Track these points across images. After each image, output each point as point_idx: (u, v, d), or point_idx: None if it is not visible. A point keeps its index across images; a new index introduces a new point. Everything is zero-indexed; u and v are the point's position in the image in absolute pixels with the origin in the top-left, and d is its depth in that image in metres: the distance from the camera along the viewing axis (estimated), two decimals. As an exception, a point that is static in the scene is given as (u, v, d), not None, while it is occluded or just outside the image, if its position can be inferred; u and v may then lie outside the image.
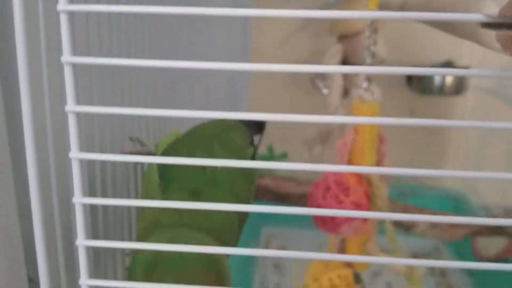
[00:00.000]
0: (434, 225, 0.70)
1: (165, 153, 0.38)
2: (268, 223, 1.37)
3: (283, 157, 1.17)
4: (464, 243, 1.10)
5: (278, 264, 1.25)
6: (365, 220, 0.54)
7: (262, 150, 1.16)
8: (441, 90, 1.13)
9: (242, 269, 1.10)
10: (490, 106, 1.13)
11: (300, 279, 0.63)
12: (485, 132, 1.19)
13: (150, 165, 0.37)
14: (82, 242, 0.27)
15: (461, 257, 1.15)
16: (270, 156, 1.17)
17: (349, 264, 0.62)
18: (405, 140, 1.16)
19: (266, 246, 1.34)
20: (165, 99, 0.54)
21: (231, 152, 0.39)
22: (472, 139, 1.24)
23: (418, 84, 1.14)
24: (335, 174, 0.55)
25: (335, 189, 0.54)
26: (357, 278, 0.62)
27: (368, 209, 0.55)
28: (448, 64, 1.12)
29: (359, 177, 0.55)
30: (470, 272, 1.13)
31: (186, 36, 0.62)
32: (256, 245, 1.31)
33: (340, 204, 0.53)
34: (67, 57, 0.24)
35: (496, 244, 0.97)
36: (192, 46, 0.65)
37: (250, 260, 1.23)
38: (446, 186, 1.26)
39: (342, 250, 0.62)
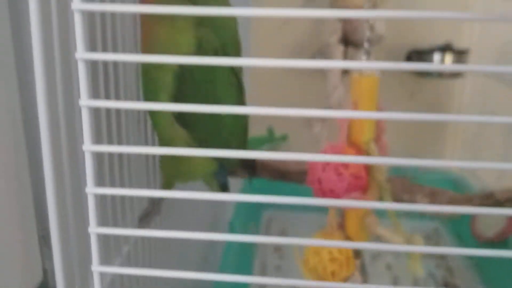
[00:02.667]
0: (433, 202, 0.70)
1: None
2: (268, 206, 1.38)
3: (283, 139, 1.18)
4: (463, 223, 1.11)
5: (278, 247, 1.26)
6: (365, 191, 0.55)
7: (262, 131, 1.17)
8: (440, 73, 1.14)
9: (242, 252, 1.11)
10: (489, 88, 1.14)
11: (300, 254, 0.64)
12: (484, 114, 1.20)
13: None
14: (94, 229, 0.28)
15: (460, 238, 1.16)
16: (270, 138, 1.17)
17: (349, 238, 0.62)
18: (402, 123, 1.17)
19: (267, 230, 1.34)
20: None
21: None
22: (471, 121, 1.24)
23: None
24: (334, 146, 0.56)
25: (333, 163, 0.54)
26: (357, 252, 0.63)
27: (367, 182, 0.55)
28: (447, 46, 1.12)
29: (358, 149, 0.55)
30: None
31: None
32: (256, 229, 1.32)
33: (339, 176, 0.54)
34: (81, 53, 0.25)
35: (495, 223, 0.98)
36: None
37: (250, 243, 1.24)
38: (444, 169, 1.27)
39: (341, 225, 0.63)
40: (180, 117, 0.40)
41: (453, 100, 1.22)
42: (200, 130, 0.43)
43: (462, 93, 1.21)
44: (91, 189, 0.27)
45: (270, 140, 1.17)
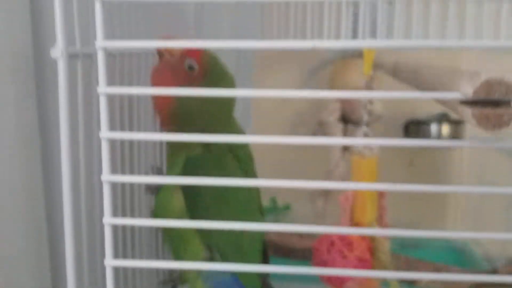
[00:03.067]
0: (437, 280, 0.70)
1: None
2: (274, 278, 1.36)
3: (286, 209, 1.18)
4: None
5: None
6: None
7: (265, 201, 1.17)
8: (439, 141, 1.16)
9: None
10: (487, 157, 1.16)
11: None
12: (483, 182, 1.21)
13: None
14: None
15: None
16: (273, 208, 1.18)
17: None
18: (403, 193, 1.18)
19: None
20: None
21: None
22: (473, 186, 1.25)
23: (415, 136, 1.17)
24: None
25: (339, 244, 0.55)
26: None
27: (371, 264, 0.56)
28: (443, 116, 1.15)
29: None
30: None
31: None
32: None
33: (344, 259, 0.55)
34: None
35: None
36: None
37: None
38: (449, 238, 1.27)
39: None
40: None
41: (452, 167, 1.24)
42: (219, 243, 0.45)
43: (461, 160, 1.23)
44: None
45: (273, 210, 1.17)
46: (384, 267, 0.56)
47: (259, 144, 1.17)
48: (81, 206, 0.33)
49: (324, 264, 0.56)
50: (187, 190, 0.42)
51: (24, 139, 0.32)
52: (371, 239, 0.56)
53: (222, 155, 0.44)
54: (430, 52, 0.57)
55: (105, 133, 0.27)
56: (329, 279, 0.56)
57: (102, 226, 0.29)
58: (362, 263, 0.54)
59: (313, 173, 0.65)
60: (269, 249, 0.76)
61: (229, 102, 0.47)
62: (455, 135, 1.15)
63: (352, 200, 0.58)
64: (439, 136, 1.15)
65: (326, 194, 0.74)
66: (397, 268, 0.60)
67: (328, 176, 0.74)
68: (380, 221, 0.59)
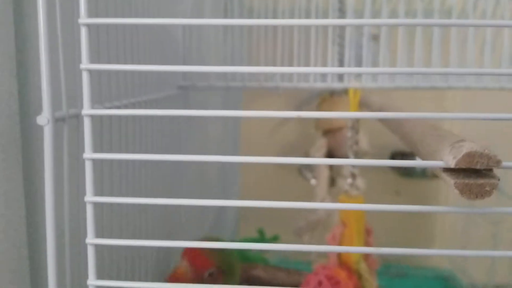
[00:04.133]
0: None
1: None
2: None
3: (274, 240, 1.19)
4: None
5: None
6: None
7: (253, 233, 1.18)
8: (424, 173, 1.18)
9: None
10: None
11: None
12: (469, 214, 1.22)
13: None
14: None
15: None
16: (261, 239, 1.18)
17: None
18: (391, 222, 1.19)
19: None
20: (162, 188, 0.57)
21: None
22: (458, 219, 1.27)
23: (402, 168, 1.19)
24: (326, 268, 0.57)
25: (326, 284, 0.56)
26: None
27: (359, 302, 0.56)
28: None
29: (349, 271, 0.57)
30: None
31: (184, 133, 0.67)
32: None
33: (332, 298, 0.55)
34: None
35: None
36: (189, 141, 0.69)
37: None
38: (434, 265, 1.28)
39: None
40: None
41: (438, 198, 1.26)
42: None
43: (447, 191, 1.25)
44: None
45: (261, 241, 1.18)
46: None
47: (247, 179, 1.17)
48: (64, 227, 0.33)
49: (312, 304, 0.57)
50: None
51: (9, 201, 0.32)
52: (358, 278, 0.57)
53: None
54: (416, 91, 0.59)
55: (90, 198, 0.27)
56: (317, 319, 0.57)
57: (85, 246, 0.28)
58: (350, 303, 0.55)
59: (299, 210, 0.65)
60: (256, 285, 0.76)
61: None
62: (440, 166, 1.17)
63: (339, 238, 0.59)
64: (425, 168, 1.17)
65: (312, 229, 0.75)
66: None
67: (313, 212, 0.75)
68: (367, 259, 0.60)
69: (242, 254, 1.16)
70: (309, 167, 0.81)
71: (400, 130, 0.37)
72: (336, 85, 0.58)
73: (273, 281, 0.75)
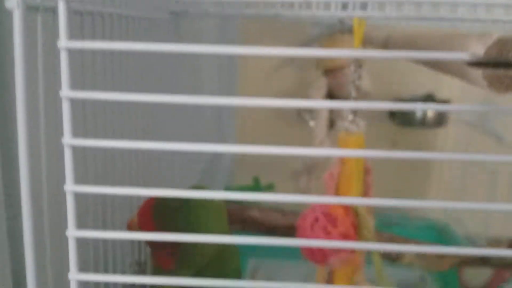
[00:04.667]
0: (420, 256, 0.70)
1: None
2: (254, 255, 1.36)
3: (269, 188, 1.18)
4: (450, 274, 1.11)
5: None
6: (353, 250, 0.54)
7: (248, 181, 1.17)
8: (423, 123, 1.16)
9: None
10: (471, 138, 1.16)
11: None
12: (466, 164, 1.22)
13: None
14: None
15: (446, 285, 1.15)
16: (256, 187, 1.17)
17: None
18: (388, 173, 1.18)
19: (252, 278, 1.32)
20: (153, 132, 0.55)
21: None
22: (454, 170, 1.26)
23: (400, 117, 1.17)
24: (322, 205, 0.56)
25: (323, 220, 0.54)
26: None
27: (355, 240, 0.55)
28: (429, 97, 1.15)
29: (346, 208, 0.56)
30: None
31: (175, 69, 0.64)
32: (242, 277, 1.30)
33: (328, 235, 0.54)
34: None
35: (483, 274, 0.98)
36: (180, 79, 0.66)
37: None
38: (429, 216, 1.28)
39: (330, 281, 0.62)
40: None
41: (436, 150, 1.24)
42: None
43: (445, 143, 1.23)
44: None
45: (256, 189, 1.17)
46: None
47: (244, 124, 1.16)
48: (43, 214, 0.31)
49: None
50: None
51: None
52: (355, 215, 0.56)
53: None
54: (423, 26, 0.56)
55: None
56: (312, 255, 0.56)
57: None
58: (346, 239, 0.54)
59: (296, 158, 0.63)
60: (252, 226, 0.75)
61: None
62: (440, 116, 1.15)
63: (337, 177, 0.57)
64: (424, 118, 1.15)
65: (309, 172, 0.73)
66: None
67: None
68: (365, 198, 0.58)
69: (240, 190, 1.15)
70: (309, 110, 0.79)
71: (413, 45, 0.34)
72: (340, 14, 0.55)
73: (268, 222, 0.74)
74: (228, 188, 1.12)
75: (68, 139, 0.25)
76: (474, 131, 1.14)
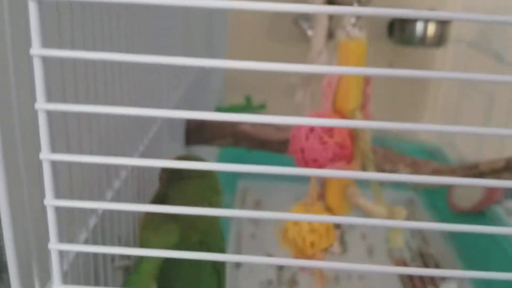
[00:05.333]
0: (414, 172, 0.69)
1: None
2: (243, 176, 1.36)
3: (261, 108, 1.15)
4: (439, 194, 1.12)
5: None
6: (349, 161, 0.53)
7: (240, 100, 1.14)
8: (422, 41, 1.12)
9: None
10: (470, 59, 1.13)
11: (279, 223, 0.62)
12: (463, 85, 1.19)
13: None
14: (50, 202, 0.24)
15: (436, 208, 1.17)
16: (248, 106, 1.14)
17: (329, 209, 0.61)
18: (384, 93, 1.15)
19: (242, 200, 1.33)
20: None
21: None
22: (451, 91, 1.24)
23: (400, 35, 1.12)
24: (319, 114, 0.53)
25: (319, 130, 0.52)
26: (337, 223, 0.61)
27: (351, 151, 0.53)
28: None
29: (344, 117, 0.53)
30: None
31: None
32: (231, 199, 1.30)
33: (323, 145, 0.52)
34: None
35: (472, 194, 0.98)
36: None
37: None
38: (422, 140, 1.27)
39: (322, 195, 0.61)
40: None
41: (434, 70, 1.21)
42: None
43: (443, 63, 1.19)
44: (46, 155, 0.24)
45: (248, 109, 1.14)
46: (363, 156, 0.54)
47: (237, 36, 1.10)
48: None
49: (301, 151, 0.53)
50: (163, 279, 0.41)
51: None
52: (353, 126, 0.53)
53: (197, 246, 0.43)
54: None
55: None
56: (306, 167, 0.54)
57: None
58: (342, 150, 0.52)
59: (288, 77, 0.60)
60: (243, 141, 0.73)
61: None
62: (440, 36, 1.11)
63: (336, 86, 0.54)
64: (424, 36, 1.10)
65: (305, 85, 0.70)
66: (375, 159, 0.58)
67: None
68: (363, 110, 0.56)
69: (231, 109, 1.12)
70: (306, 17, 0.74)
71: None
72: None
73: (260, 136, 0.71)
74: (219, 109, 1.09)
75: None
76: (473, 52, 1.10)
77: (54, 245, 0.23)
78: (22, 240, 0.26)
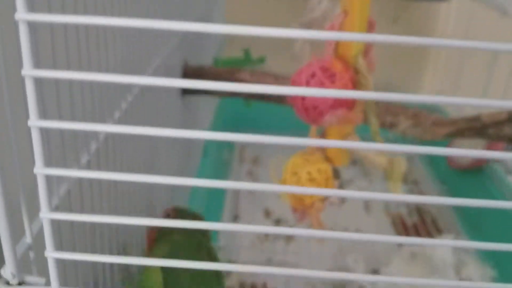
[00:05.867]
0: (416, 124, 0.68)
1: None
2: (241, 130, 1.35)
3: (260, 61, 1.13)
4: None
5: (251, 171, 1.25)
6: (350, 108, 0.51)
7: (238, 53, 1.11)
8: (427, -6, 1.08)
9: (215, 176, 1.09)
10: (474, 12, 1.10)
11: (278, 174, 0.61)
12: (468, 40, 1.16)
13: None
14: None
15: (433, 164, 1.17)
16: (247, 60, 1.12)
17: (328, 159, 0.60)
18: (386, 48, 1.13)
19: (241, 155, 1.32)
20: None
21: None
22: (453, 50, 1.21)
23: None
24: (320, 59, 0.51)
25: (320, 75, 0.50)
26: (336, 173, 0.61)
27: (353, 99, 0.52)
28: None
29: (346, 63, 0.52)
30: (443, 180, 1.15)
31: None
32: (230, 155, 1.30)
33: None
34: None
35: (472, 149, 0.98)
36: None
37: (223, 168, 1.22)
38: (421, 94, 1.25)
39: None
40: None
41: (437, 25, 1.18)
42: None
43: (447, 17, 1.17)
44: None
45: (247, 62, 1.11)
46: (365, 104, 0.53)
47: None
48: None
49: (301, 98, 0.52)
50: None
51: None
52: (355, 72, 0.52)
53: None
54: None
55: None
56: (306, 114, 0.53)
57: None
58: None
59: (291, 19, 0.58)
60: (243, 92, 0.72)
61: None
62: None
63: (339, 29, 0.52)
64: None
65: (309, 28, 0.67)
66: (377, 111, 0.57)
67: (309, 13, 0.67)
68: (366, 56, 0.54)
69: (230, 63, 1.10)
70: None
71: None
72: None
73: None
74: (217, 60, 1.07)
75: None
76: (477, 5, 1.07)
77: (40, 169, 0.22)
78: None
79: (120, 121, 0.43)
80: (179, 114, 0.73)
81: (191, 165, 0.92)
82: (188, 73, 0.71)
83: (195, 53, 0.82)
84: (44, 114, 0.22)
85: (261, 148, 1.33)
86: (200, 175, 0.95)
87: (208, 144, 1.05)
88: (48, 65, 0.27)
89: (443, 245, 0.28)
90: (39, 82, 0.21)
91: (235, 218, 1.06)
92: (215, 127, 1.13)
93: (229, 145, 1.31)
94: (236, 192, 1.16)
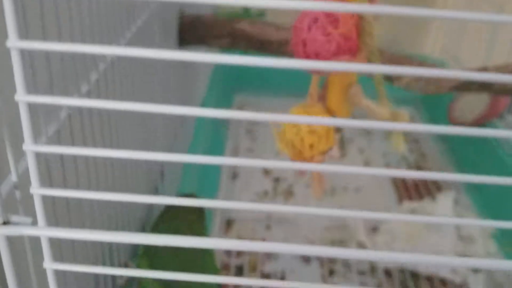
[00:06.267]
0: (420, 77, 0.66)
1: None
2: (240, 90, 1.32)
3: (260, 15, 1.09)
4: (440, 107, 1.10)
5: (250, 130, 1.23)
6: (354, 55, 0.49)
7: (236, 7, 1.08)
8: None
9: (214, 134, 1.07)
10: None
11: (277, 125, 0.60)
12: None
13: None
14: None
15: (434, 122, 1.15)
16: (246, 13, 1.08)
17: (330, 110, 0.58)
18: (391, 1, 1.09)
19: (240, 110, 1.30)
20: None
21: None
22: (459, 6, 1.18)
23: None
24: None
25: (323, 20, 0.48)
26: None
27: (357, 44, 0.50)
28: None
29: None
30: (444, 139, 1.14)
31: None
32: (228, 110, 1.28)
33: (327, 37, 0.48)
34: None
35: (474, 108, 0.96)
36: None
37: (222, 125, 1.21)
38: (427, 53, 1.23)
39: (323, 96, 0.58)
40: None
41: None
42: None
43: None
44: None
45: (246, 16, 1.08)
46: (369, 51, 0.51)
47: None
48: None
49: (303, 44, 0.50)
50: None
51: None
52: (360, 18, 0.49)
53: None
54: None
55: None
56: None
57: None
58: (347, 42, 0.48)
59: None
60: (243, 42, 0.69)
61: None
62: None
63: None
64: None
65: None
66: (381, 62, 0.55)
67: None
68: (373, 2, 0.52)
69: (228, 15, 1.07)
70: None
71: None
72: None
73: (260, 36, 0.67)
74: (216, 13, 1.04)
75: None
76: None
77: (22, 97, 0.21)
78: None
79: (112, 65, 0.41)
80: (177, 64, 0.71)
81: (189, 119, 0.90)
82: (185, 22, 0.68)
83: (192, 5, 0.79)
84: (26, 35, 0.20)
85: (260, 107, 1.31)
86: (197, 133, 0.94)
87: (207, 101, 1.04)
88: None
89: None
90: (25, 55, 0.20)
91: (234, 176, 1.06)
92: (211, 88, 1.10)
93: (228, 104, 1.29)
94: (235, 149, 1.14)
